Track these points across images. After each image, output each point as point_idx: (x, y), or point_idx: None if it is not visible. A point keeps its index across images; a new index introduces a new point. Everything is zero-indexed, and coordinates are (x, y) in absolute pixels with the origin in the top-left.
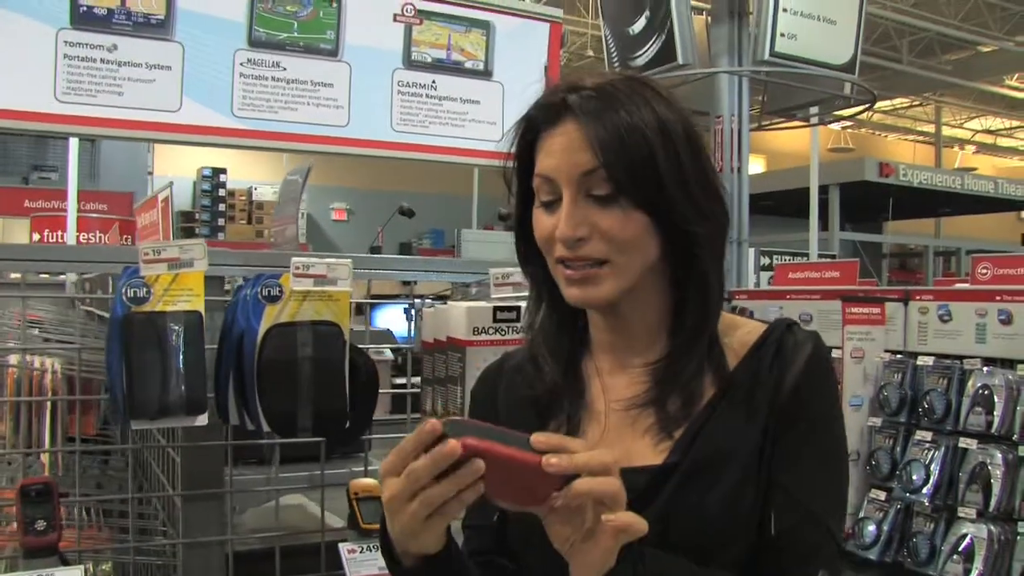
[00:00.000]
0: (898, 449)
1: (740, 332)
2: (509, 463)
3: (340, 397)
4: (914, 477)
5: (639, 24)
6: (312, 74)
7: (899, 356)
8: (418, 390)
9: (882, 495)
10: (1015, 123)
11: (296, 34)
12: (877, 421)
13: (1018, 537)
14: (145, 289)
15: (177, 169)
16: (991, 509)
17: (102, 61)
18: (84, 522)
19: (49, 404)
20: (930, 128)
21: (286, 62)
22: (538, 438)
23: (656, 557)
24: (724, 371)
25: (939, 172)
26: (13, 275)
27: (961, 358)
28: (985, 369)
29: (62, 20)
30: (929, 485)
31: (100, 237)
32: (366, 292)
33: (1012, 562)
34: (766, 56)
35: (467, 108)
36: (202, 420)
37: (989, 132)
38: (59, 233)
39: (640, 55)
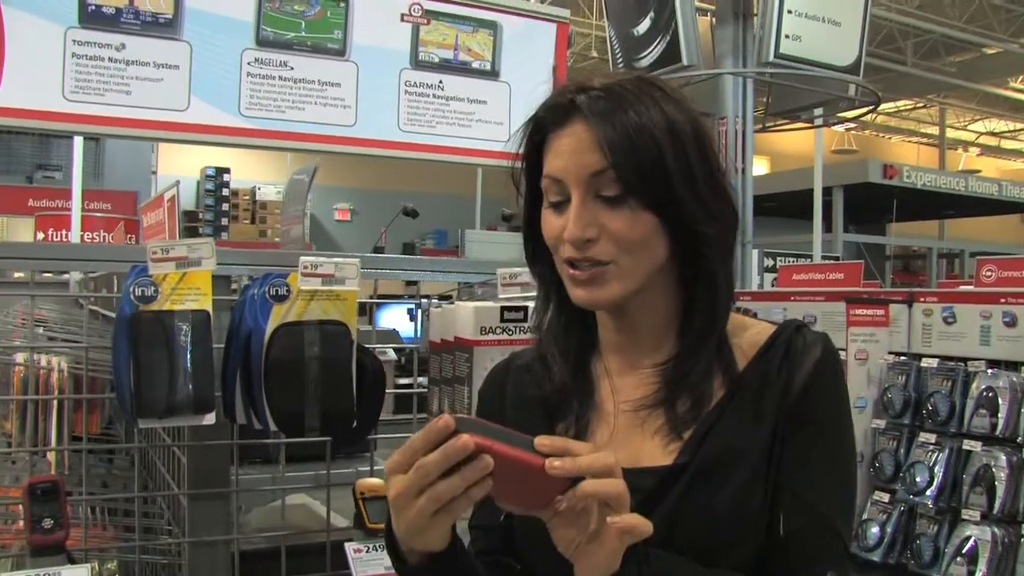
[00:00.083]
0: (902, 451)
1: (749, 333)
2: (514, 464)
3: (347, 397)
4: (918, 479)
5: (643, 25)
6: (319, 74)
7: (903, 358)
8: (424, 390)
9: (886, 497)
10: (1019, 125)
11: (304, 34)
12: (881, 423)
13: (1022, 539)
14: (153, 288)
15: (181, 169)
16: (995, 511)
17: (110, 60)
18: (89, 521)
19: (56, 403)
20: (934, 130)
21: (293, 62)
22: (542, 441)
23: (661, 558)
24: (733, 372)
25: (943, 174)
26: (17, 274)
27: (965, 360)
28: (989, 371)
29: (70, 19)
30: (933, 487)
31: (104, 236)
32: (372, 292)
33: (1016, 564)
34: (771, 57)
35: (474, 108)
36: (210, 419)
37: (993, 134)
38: (63, 232)
39: (644, 56)
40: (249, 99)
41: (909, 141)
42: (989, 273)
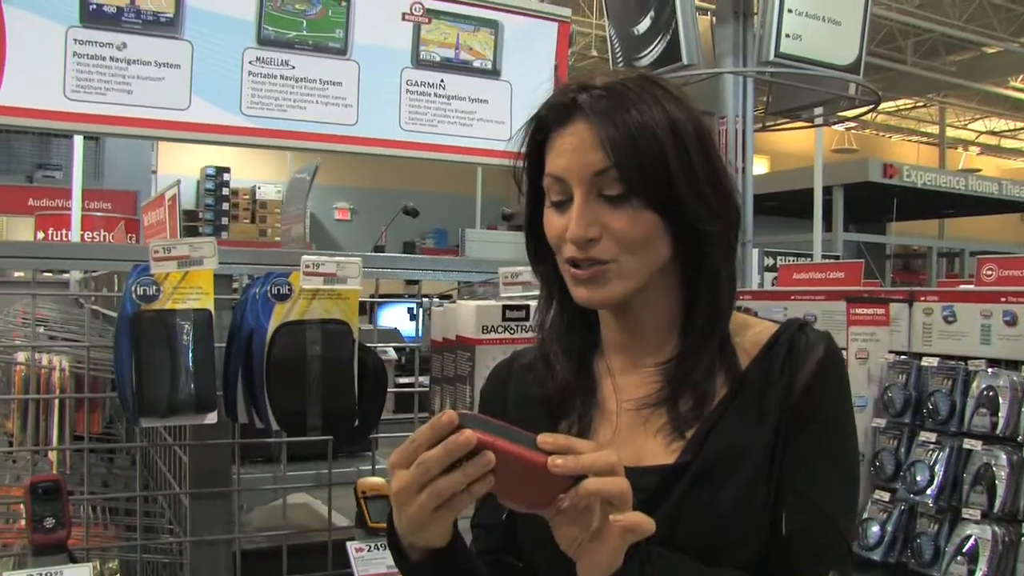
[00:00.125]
0: (902, 450)
1: (752, 332)
2: (516, 461)
3: (349, 396)
4: (918, 478)
5: (644, 24)
6: (321, 73)
7: (903, 357)
8: (424, 389)
9: (886, 496)
10: (1019, 124)
11: (305, 33)
12: (881, 422)
13: (1022, 538)
14: (155, 287)
15: (181, 168)
16: (995, 510)
17: (111, 59)
18: (91, 520)
19: (57, 402)
20: (934, 129)
21: (295, 60)
22: (544, 439)
23: (663, 556)
24: (736, 371)
25: (943, 173)
26: (17, 273)
27: (966, 359)
28: (990, 370)
29: (72, 18)
30: (933, 486)
31: (104, 236)
32: (374, 291)
33: (1016, 563)
34: (771, 57)
35: (475, 107)
36: (212, 418)
37: (993, 133)
38: (63, 232)
39: (645, 55)
40: (250, 98)
41: (909, 140)
42: (990, 272)
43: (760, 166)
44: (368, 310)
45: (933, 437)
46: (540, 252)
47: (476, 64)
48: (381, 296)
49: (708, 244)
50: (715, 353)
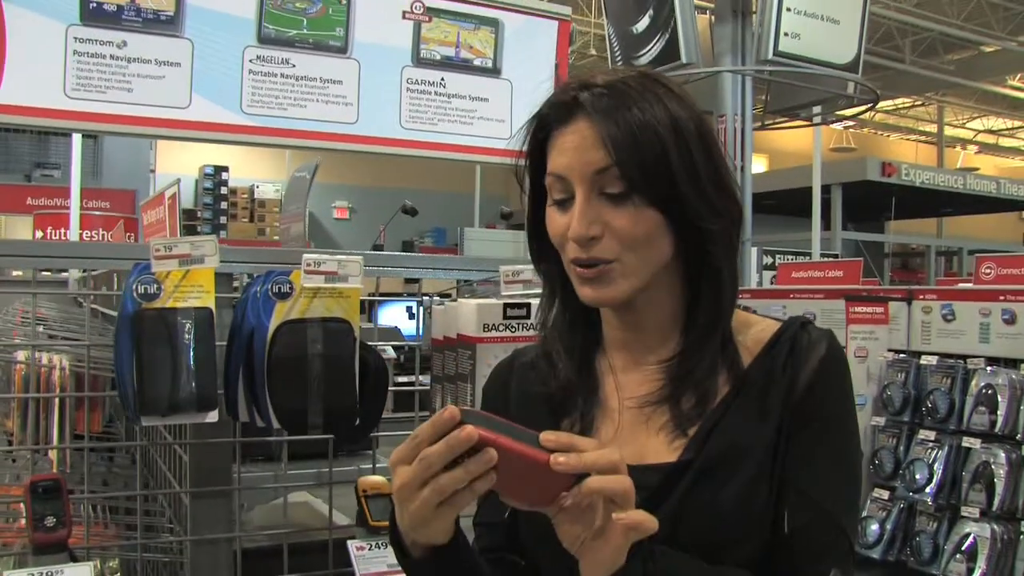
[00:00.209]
0: (901, 448)
1: (754, 330)
2: (519, 458)
3: (350, 394)
4: (917, 476)
5: (643, 23)
6: (321, 71)
7: (903, 355)
8: (425, 387)
9: (885, 494)
10: (1017, 123)
11: (305, 31)
12: (880, 420)
13: (1021, 536)
14: (156, 285)
15: (179, 167)
16: (994, 508)
17: (112, 57)
18: (91, 519)
19: (57, 401)
20: (932, 128)
21: (295, 59)
22: (547, 436)
23: (666, 554)
24: (738, 369)
25: (941, 172)
26: (16, 272)
27: (965, 357)
28: (989, 369)
29: (72, 16)
30: (932, 484)
31: (103, 235)
32: (374, 289)
33: (1015, 561)
34: (770, 55)
35: (476, 106)
36: (213, 417)
37: (991, 132)
38: (62, 231)
39: (644, 54)
40: (251, 96)
41: (907, 139)
42: (988, 271)
43: (759, 165)
44: (368, 309)
45: (932, 435)
46: (542, 250)
47: (476, 62)
48: (382, 295)
49: (710, 242)
50: (717, 351)
